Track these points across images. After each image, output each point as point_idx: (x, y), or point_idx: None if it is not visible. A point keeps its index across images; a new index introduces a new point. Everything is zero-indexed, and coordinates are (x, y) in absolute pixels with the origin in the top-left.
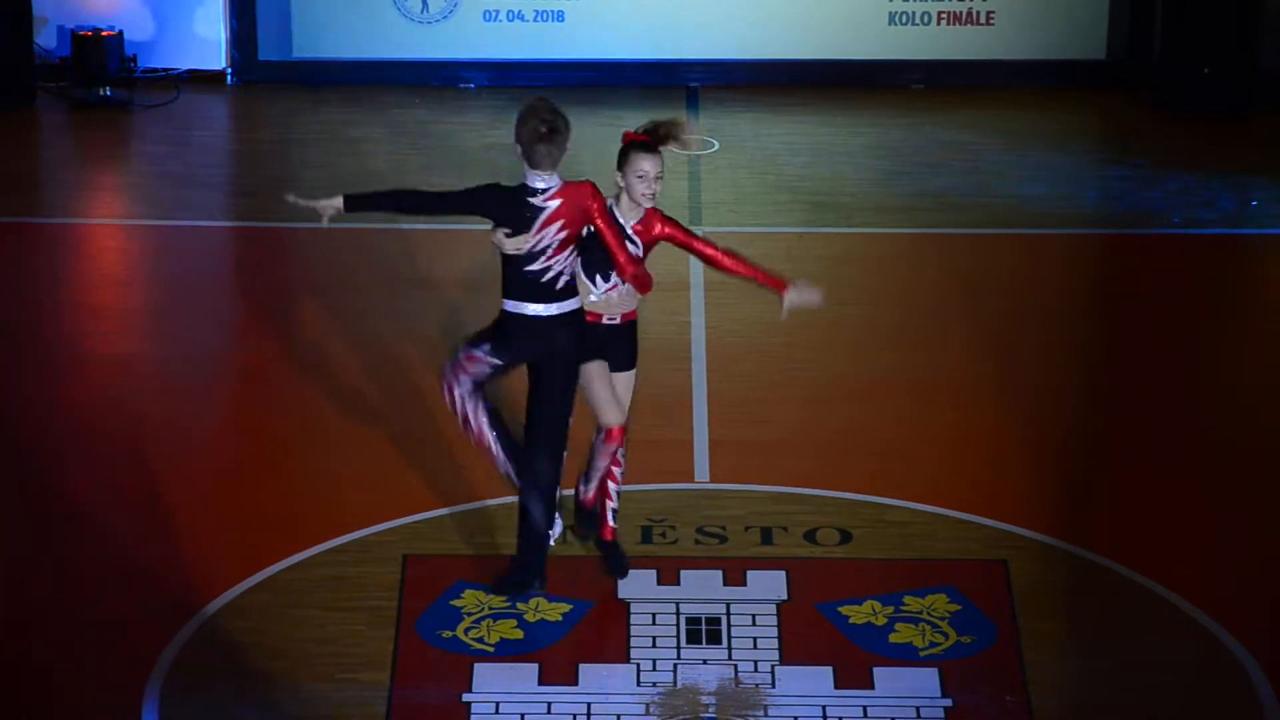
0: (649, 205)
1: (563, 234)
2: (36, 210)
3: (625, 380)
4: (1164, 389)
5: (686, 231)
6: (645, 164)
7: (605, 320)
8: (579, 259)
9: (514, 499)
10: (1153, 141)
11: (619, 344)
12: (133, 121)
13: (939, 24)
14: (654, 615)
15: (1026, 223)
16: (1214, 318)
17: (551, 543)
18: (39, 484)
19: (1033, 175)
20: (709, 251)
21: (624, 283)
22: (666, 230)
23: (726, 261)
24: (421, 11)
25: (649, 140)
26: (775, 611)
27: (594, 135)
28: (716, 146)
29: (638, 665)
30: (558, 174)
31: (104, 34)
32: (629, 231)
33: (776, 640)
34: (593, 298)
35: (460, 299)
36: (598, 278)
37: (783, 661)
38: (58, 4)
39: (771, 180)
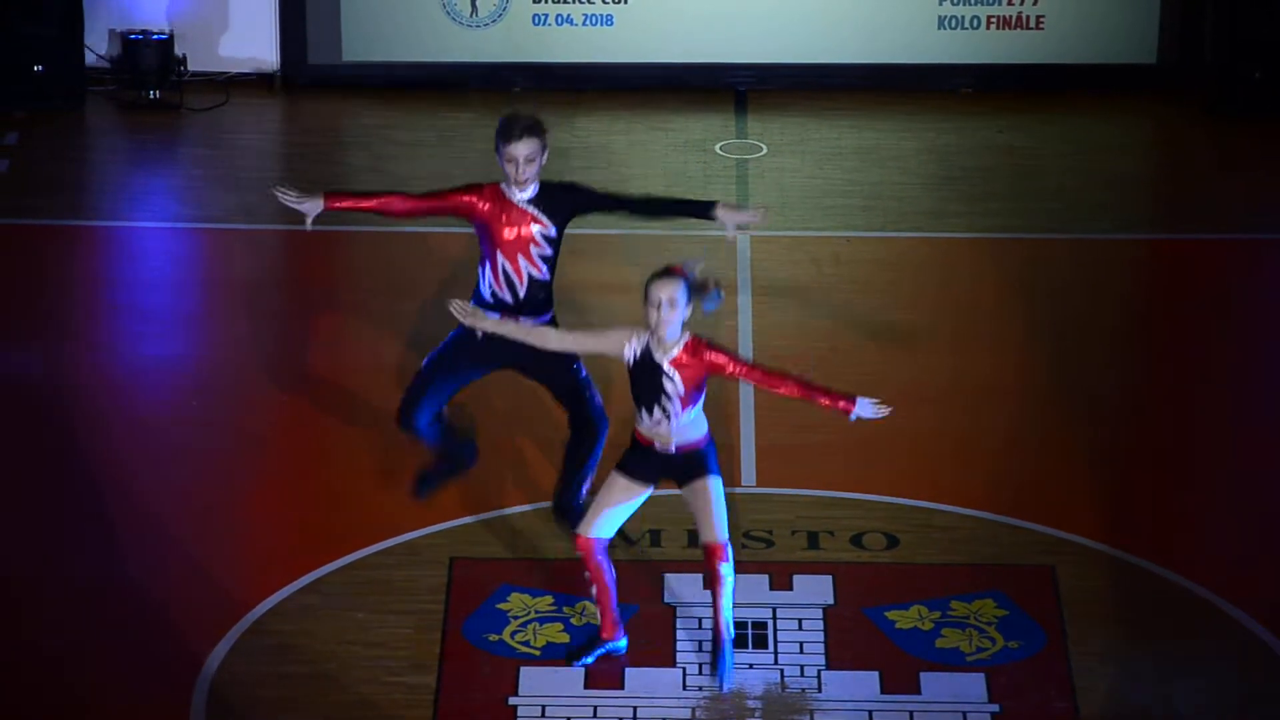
0: (665, 334)
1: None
2: (85, 213)
3: (700, 490)
4: (1216, 395)
5: (737, 361)
6: (653, 291)
7: (658, 448)
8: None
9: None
10: (1203, 146)
11: (675, 471)
12: (182, 125)
13: (988, 28)
14: (700, 619)
15: (1076, 228)
16: (1264, 323)
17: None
18: (85, 485)
19: (1083, 180)
20: (766, 380)
21: (675, 418)
22: (712, 360)
23: (784, 389)
24: (471, 15)
25: (667, 270)
26: (821, 616)
27: (642, 139)
28: (764, 150)
29: (684, 669)
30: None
31: (154, 37)
32: (665, 368)
33: (823, 645)
34: (641, 426)
35: None
36: (643, 410)
37: (829, 666)
38: (108, 7)
39: (819, 184)
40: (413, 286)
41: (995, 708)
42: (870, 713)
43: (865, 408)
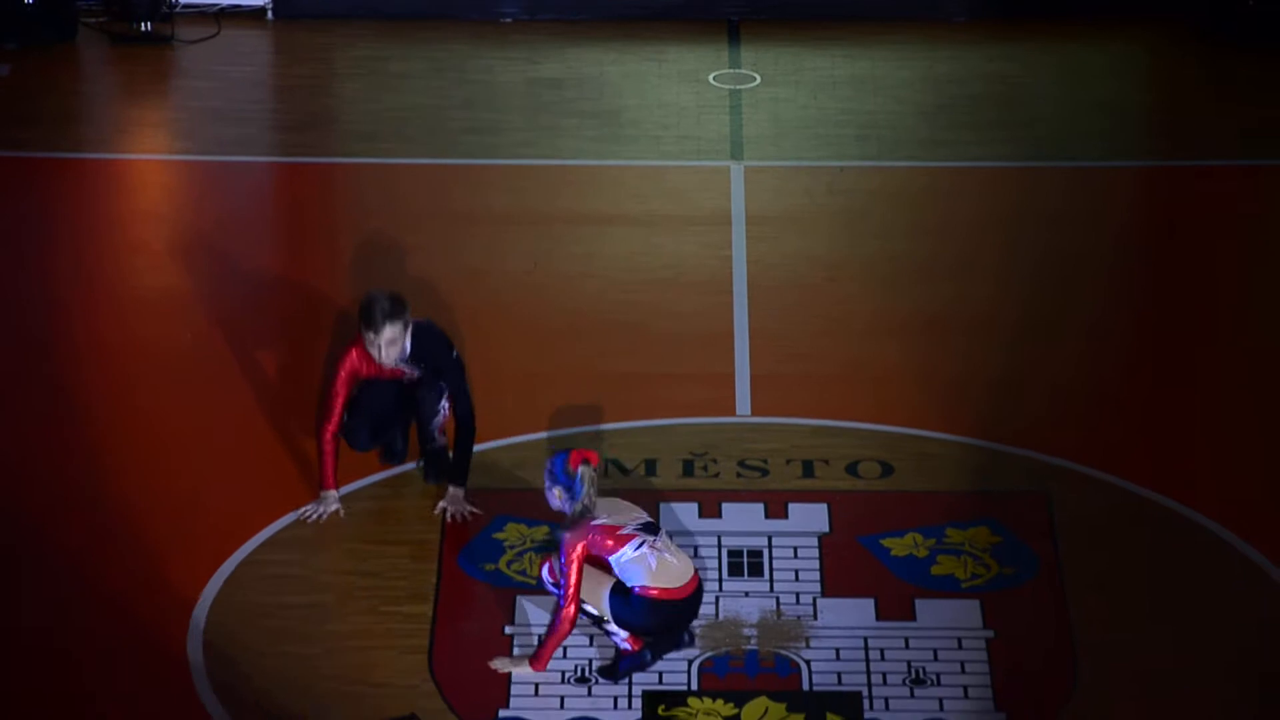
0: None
1: None
2: (77, 146)
3: None
4: (1211, 322)
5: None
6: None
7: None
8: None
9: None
10: (1197, 73)
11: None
12: (174, 57)
13: None
14: (695, 548)
15: (1070, 155)
16: (1259, 249)
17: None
18: (82, 417)
19: (1077, 107)
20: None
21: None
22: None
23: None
24: None
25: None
26: (817, 544)
27: (635, 70)
28: (758, 80)
29: None
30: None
31: None
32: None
33: (818, 572)
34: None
35: (504, 233)
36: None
37: (824, 594)
38: None
39: (813, 114)
40: (412, 218)
41: (990, 633)
42: (866, 639)
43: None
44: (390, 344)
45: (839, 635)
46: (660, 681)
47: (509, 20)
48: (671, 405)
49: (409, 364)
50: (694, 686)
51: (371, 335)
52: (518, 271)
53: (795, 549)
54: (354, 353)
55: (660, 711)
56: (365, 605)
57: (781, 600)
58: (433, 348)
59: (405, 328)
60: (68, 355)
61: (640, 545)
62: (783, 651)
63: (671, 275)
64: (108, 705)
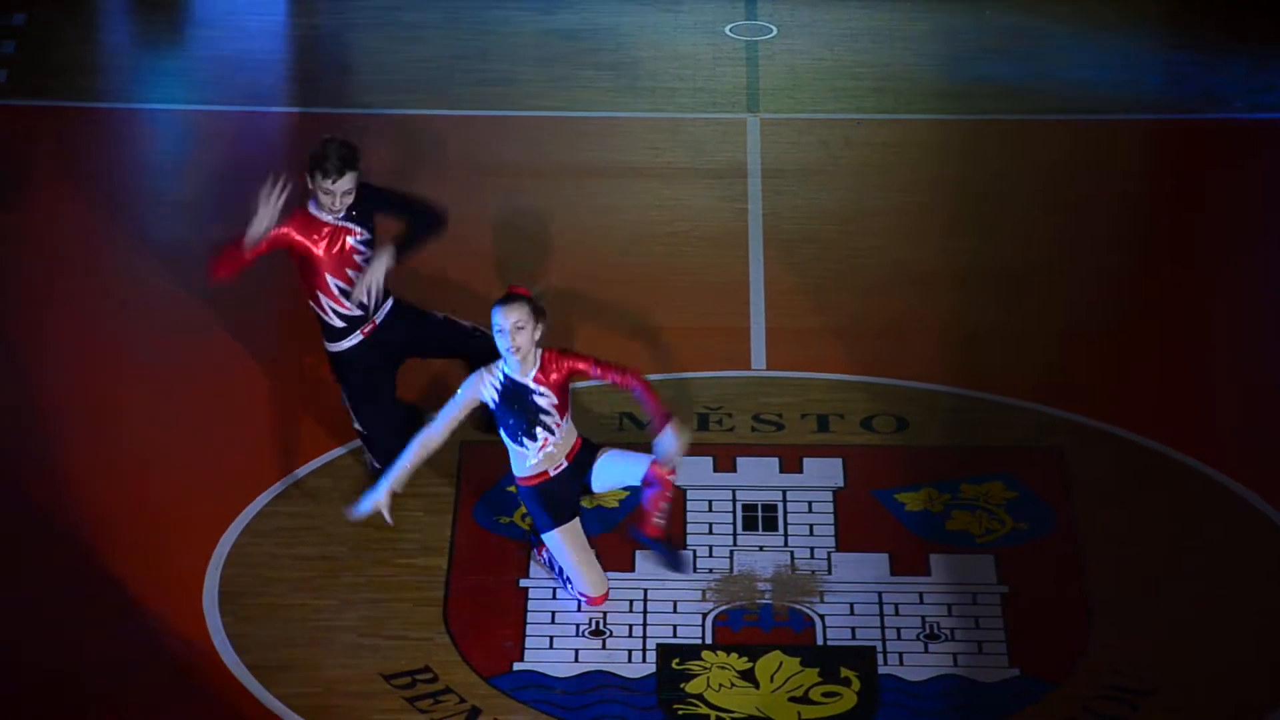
0: (517, 358)
1: None
2: (94, 95)
3: (608, 463)
4: (1225, 275)
5: (596, 363)
6: (499, 318)
7: (552, 473)
8: (502, 428)
9: None
10: (1216, 23)
11: (577, 481)
12: (190, 6)
13: None
14: (710, 502)
15: (1087, 108)
16: (1266, 203)
17: None
18: (98, 369)
19: (1094, 60)
20: (620, 378)
21: (558, 431)
22: (572, 365)
23: (628, 383)
24: None
25: (508, 295)
26: (832, 498)
27: (652, 21)
28: (774, 32)
29: (694, 552)
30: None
31: None
32: (532, 386)
33: (833, 527)
34: (529, 462)
35: (518, 185)
36: (524, 439)
37: (839, 548)
38: None
39: (829, 66)
40: (425, 170)
41: (1004, 589)
42: (880, 594)
43: (669, 440)
44: (345, 194)
45: (853, 590)
46: (674, 635)
47: None
48: (686, 359)
49: (350, 220)
50: (708, 640)
51: (328, 183)
52: (530, 225)
53: (810, 503)
54: (294, 222)
55: (674, 665)
56: (380, 557)
57: (796, 555)
58: (368, 196)
59: (357, 177)
60: (85, 307)
61: None
62: (797, 606)
63: (687, 228)
64: (122, 658)
